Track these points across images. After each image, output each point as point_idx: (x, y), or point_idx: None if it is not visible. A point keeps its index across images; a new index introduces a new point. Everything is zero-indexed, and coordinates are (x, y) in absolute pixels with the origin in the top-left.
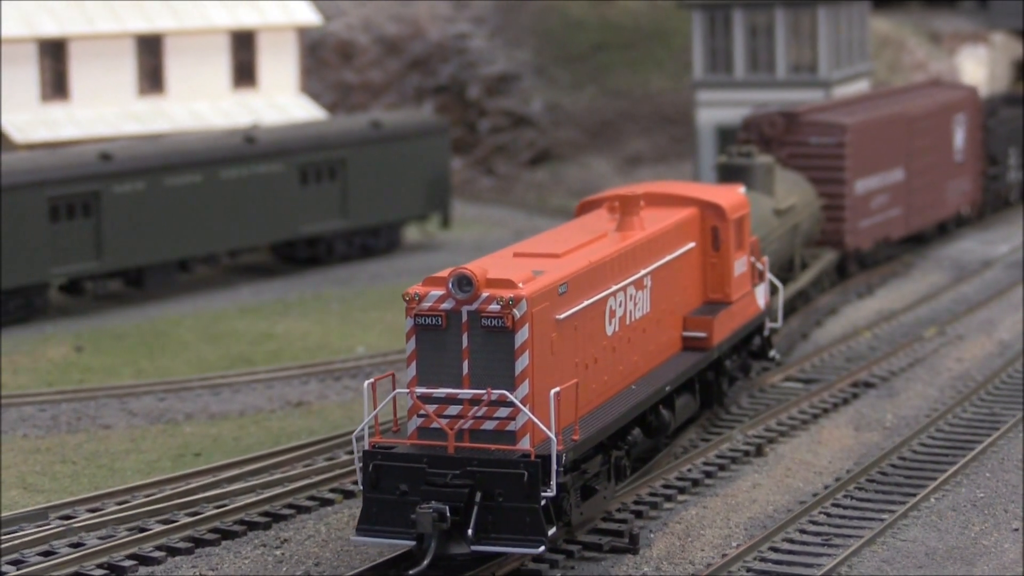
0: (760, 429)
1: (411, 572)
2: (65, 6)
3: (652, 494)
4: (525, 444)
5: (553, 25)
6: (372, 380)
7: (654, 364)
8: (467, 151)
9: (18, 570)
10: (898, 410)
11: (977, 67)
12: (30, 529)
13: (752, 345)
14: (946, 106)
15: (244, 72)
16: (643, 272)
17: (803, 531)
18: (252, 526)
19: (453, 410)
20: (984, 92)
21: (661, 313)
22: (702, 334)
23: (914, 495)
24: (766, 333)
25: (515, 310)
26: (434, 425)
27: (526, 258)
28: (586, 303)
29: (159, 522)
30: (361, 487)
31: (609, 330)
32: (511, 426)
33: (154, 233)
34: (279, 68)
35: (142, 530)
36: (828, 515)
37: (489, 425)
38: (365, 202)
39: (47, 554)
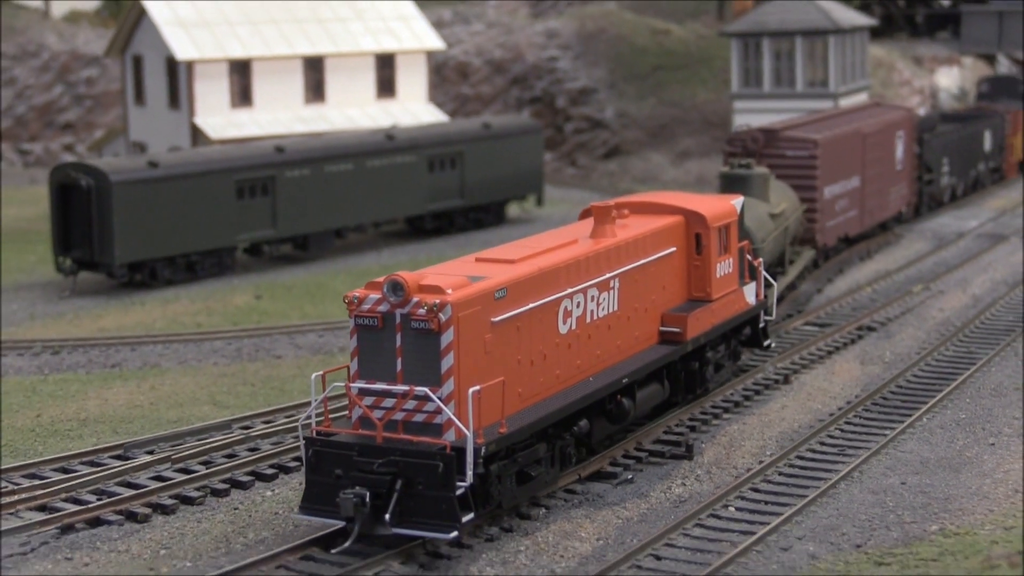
0: (787, 362)
1: (334, 551)
2: (249, 34)
3: (703, 412)
4: (451, 436)
5: (622, 51)
6: (322, 372)
7: (622, 357)
8: (555, 147)
9: (207, 469)
10: (894, 348)
11: (951, 84)
12: (217, 436)
13: (743, 335)
14: (890, 124)
15: (386, 86)
16: (609, 275)
17: (822, 443)
18: None
19: (388, 403)
20: (940, 108)
21: (632, 311)
22: (677, 329)
23: (910, 415)
24: (761, 325)
25: (440, 314)
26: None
27: (483, 263)
28: (531, 305)
29: None
30: (304, 469)
31: (563, 328)
32: (438, 419)
33: (316, 208)
34: (413, 83)
35: None
36: (842, 431)
37: (419, 418)
38: (478, 185)
39: (230, 456)
